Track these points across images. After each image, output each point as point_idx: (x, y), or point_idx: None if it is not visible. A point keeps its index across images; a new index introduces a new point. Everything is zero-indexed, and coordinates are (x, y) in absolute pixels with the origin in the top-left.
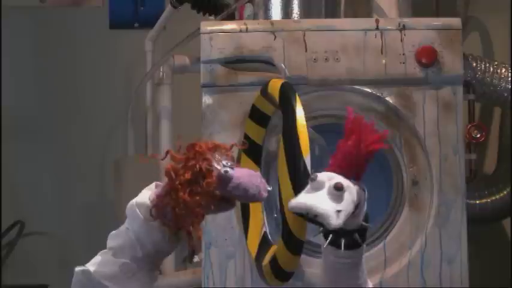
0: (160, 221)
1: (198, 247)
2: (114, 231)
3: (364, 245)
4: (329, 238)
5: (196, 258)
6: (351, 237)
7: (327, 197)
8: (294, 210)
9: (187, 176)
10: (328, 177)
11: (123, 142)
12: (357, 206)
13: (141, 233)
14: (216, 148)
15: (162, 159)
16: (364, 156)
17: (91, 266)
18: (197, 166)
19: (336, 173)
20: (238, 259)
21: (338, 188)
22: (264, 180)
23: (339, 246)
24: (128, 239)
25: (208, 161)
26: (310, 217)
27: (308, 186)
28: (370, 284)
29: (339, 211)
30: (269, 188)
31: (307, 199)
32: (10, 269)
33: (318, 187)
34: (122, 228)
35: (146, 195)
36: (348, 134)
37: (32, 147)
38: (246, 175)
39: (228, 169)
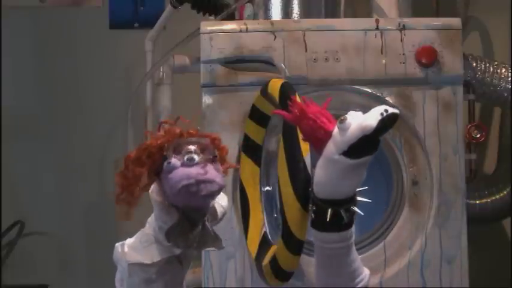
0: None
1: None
2: None
3: (352, 231)
4: (328, 214)
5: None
6: (350, 211)
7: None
8: (376, 121)
9: (132, 154)
10: (348, 115)
11: (123, 142)
12: None
13: (154, 207)
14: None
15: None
16: (319, 110)
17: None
18: (145, 149)
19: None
20: (238, 259)
21: (356, 110)
22: (203, 187)
23: (335, 226)
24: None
25: (159, 146)
26: (386, 115)
27: (340, 134)
28: (366, 271)
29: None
30: (269, 188)
31: (366, 115)
32: (10, 269)
33: (348, 124)
34: None
35: None
36: (300, 119)
37: (32, 147)
38: (181, 173)
39: (172, 161)
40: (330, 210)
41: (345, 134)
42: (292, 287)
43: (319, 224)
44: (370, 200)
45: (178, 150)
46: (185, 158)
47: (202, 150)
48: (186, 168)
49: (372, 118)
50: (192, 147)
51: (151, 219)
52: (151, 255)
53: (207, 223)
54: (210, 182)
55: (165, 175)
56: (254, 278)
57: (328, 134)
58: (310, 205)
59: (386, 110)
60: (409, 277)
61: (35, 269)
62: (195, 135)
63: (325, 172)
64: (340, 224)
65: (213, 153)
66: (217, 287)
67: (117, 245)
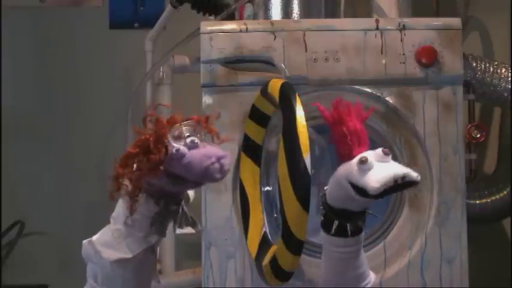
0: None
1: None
2: (119, 201)
3: (362, 235)
4: (335, 224)
5: (184, 230)
6: (358, 222)
7: (390, 163)
8: (381, 189)
9: (134, 150)
10: (376, 152)
11: (123, 142)
12: None
13: (125, 199)
14: (180, 123)
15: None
16: (356, 128)
17: (95, 236)
18: (147, 141)
19: (346, 153)
20: (238, 259)
21: (387, 153)
22: (224, 162)
23: (341, 234)
24: (122, 207)
25: (160, 137)
26: (400, 183)
27: (356, 170)
28: (372, 275)
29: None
30: (269, 188)
31: (383, 172)
32: (10, 269)
33: (369, 167)
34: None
35: None
36: (334, 124)
37: (32, 147)
38: (198, 155)
39: (181, 147)
40: (336, 222)
41: (359, 173)
42: (292, 287)
43: (327, 228)
44: (378, 215)
45: (176, 138)
46: (188, 141)
47: (195, 132)
48: (200, 150)
49: (381, 182)
50: (187, 132)
51: (116, 215)
52: (131, 249)
53: (185, 208)
54: (225, 156)
55: (176, 162)
56: (254, 278)
57: (350, 157)
58: (321, 207)
59: (403, 178)
60: (409, 277)
61: (35, 269)
62: (180, 120)
63: (335, 187)
64: (346, 232)
65: (204, 133)
66: (217, 287)
67: (85, 242)
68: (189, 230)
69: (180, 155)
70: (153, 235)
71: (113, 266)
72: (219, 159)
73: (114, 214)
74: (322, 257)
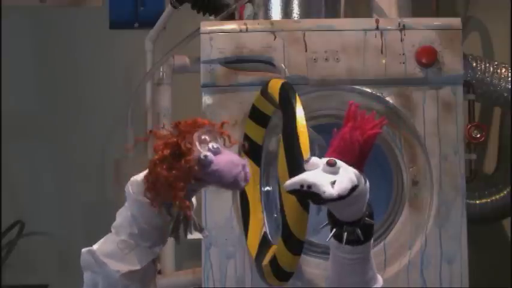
0: (149, 196)
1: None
2: (119, 210)
3: (371, 242)
4: (332, 231)
5: (193, 234)
6: (354, 232)
7: (322, 172)
8: (289, 188)
9: (166, 152)
10: (322, 160)
11: (123, 142)
12: (354, 189)
13: (134, 209)
14: (204, 127)
15: (146, 138)
16: (360, 142)
17: (96, 245)
18: (177, 143)
19: (333, 157)
20: (238, 259)
21: (331, 164)
22: (247, 170)
23: (343, 241)
24: (126, 217)
25: (188, 140)
26: (305, 190)
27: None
28: (379, 279)
29: (333, 182)
30: (269, 188)
31: (302, 175)
32: (10, 269)
33: (313, 168)
34: (123, 206)
35: (144, 172)
36: (345, 122)
37: (32, 147)
38: (225, 162)
39: (209, 154)
40: (334, 229)
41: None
42: (292, 287)
43: (333, 234)
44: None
45: (201, 142)
46: (213, 146)
47: (212, 138)
48: (224, 156)
49: (292, 181)
50: (207, 138)
51: (119, 224)
52: (139, 261)
53: (192, 215)
54: (246, 164)
55: (203, 168)
56: (254, 278)
57: (330, 154)
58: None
59: (310, 187)
60: (409, 277)
61: (35, 269)
62: (202, 124)
63: None
64: (350, 240)
65: (217, 138)
66: (217, 287)
67: (84, 251)
68: (198, 235)
69: (208, 162)
70: (158, 246)
71: (121, 278)
72: (243, 167)
73: (116, 224)
74: (329, 259)
